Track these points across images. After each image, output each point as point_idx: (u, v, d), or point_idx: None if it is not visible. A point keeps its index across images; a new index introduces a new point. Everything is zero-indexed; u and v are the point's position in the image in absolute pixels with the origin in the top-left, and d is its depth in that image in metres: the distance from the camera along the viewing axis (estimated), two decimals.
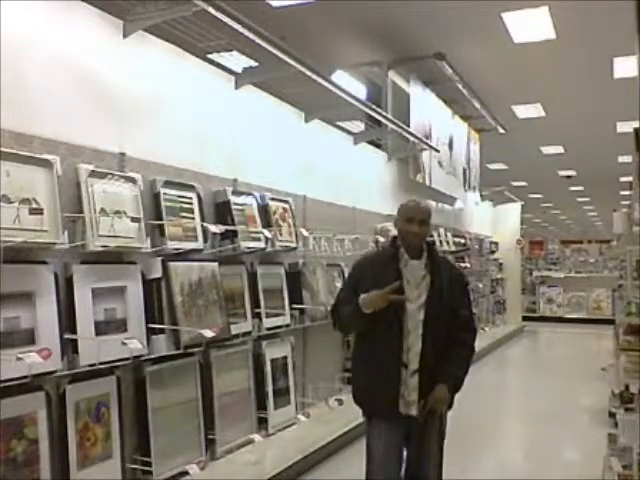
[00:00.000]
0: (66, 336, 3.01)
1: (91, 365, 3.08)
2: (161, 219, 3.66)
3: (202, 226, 3.95)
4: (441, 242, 9.47)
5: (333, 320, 2.96)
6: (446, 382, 2.75)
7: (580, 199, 22.66)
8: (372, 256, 3.16)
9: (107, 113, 3.53)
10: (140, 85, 3.78)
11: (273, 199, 4.83)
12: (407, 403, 2.73)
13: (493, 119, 10.68)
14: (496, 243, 13.63)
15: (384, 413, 2.77)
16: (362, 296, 2.70)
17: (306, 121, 5.79)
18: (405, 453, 2.81)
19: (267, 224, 4.64)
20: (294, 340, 5.00)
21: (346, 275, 3.01)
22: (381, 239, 6.84)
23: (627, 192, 11.13)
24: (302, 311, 5.01)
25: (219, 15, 3.71)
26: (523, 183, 18.68)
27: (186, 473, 3.63)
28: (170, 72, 4.06)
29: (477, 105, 9.76)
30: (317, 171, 5.81)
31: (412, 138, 7.82)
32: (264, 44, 4.19)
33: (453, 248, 10.06)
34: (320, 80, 5.10)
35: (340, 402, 5.12)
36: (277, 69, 4.78)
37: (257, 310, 4.52)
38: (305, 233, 5.16)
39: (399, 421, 2.75)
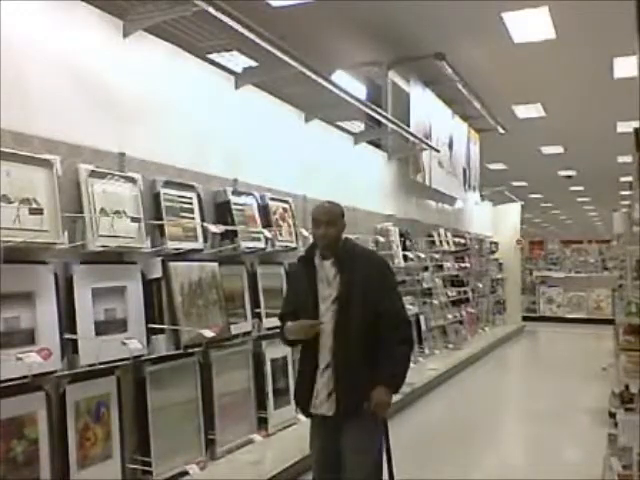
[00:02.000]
0: (66, 336, 3.01)
1: (91, 365, 3.08)
2: (161, 219, 3.67)
3: (202, 226, 3.95)
4: (441, 242, 9.48)
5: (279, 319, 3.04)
6: (384, 383, 2.68)
7: (580, 199, 22.65)
8: (299, 260, 3.08)
9: (107, 113, 3.53)
10: (140, 85, 3.78)
11: (273, 199, 4.83)
12: (320, 402, 2.72)
13: (493, 119, 10.68)
14: (496, 243, 13.63)
15: (303, 412, 2.84)
16: (287, 325, 2.81)
17: (306, 121, 5.79)
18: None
19: (267, 224, 4.64)
20: None
21: None
22: (381, 239, 6.84)
23: (627, 192, 11.13)
24: None
25: (219, 15, 3.72)
26: (523, 183, 18.68)
27: (186, 473, 3.63)
28: (170, 72, 4.06)
29: (477, 105, 9.76)
30: (317, 171, 5.81)
31: (412, 138, 7.82)
32: (264, 44, 4.19)
33: (453, 248, 10.07)
34: (320, 80, 5.11)
35: None
36: (277, 69, 4.78)
37: (257, 310, 4.52)
38: (305, 233, 5.15)
39: (326, 423, 2.73)
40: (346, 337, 2.70)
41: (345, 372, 2.68)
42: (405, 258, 7.43)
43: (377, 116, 6.66)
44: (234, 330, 4.14)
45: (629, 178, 9.39)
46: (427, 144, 8.32)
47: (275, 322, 4.63)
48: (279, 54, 4.39)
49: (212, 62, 5.38)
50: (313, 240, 2.92)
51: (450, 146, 10.09)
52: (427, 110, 8.93)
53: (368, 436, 2.72)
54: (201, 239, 3.94)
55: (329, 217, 2.81)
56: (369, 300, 2.73)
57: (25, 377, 2.75)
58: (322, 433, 2.79)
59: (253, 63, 6.55)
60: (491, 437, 5.78)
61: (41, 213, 2.87)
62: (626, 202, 14.28)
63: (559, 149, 14.15)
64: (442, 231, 9.69)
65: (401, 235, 7.56)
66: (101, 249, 3.16)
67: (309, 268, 2.86)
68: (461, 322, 10.16)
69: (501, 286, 13.83)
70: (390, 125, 7.00)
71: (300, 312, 2.81)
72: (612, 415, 4.90)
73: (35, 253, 2.96)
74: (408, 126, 7.74)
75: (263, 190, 4.79)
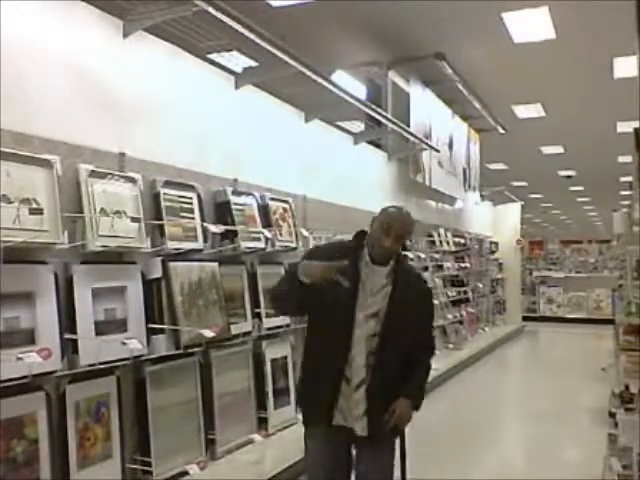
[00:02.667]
0: (66, 336, 3.01)
1: (91, 365, 3.08)
2: (161, 219, 3.66)
3: (202, 226, 3.95)
4: (441, 242, 9.48)
5: (270, 297, 2.72)
6: (410, 397, 2.55)
7: (580, 199, 22.65)
8: (332, 245, 2.85)
9: (107, 113, 3.53)
10: (140, 85, 3.78)
11: (273, 199, 4.83)
12: (351, 417, 2.48)
13: (493, 119, 10.68)
14: (496, 243, 13.63)
15: (316, 423, 2.55)
16: (304, 262, 2.42)
17: (306, 121, 5.79)
18: (355, 474, 2.57)
19: (267, 224, 4.63)
20: (294, 340, 5.00)
21: None
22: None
23: (627, 192, 11.14)
24: None
25: (219, 15, 3.71)
26: (523, 183, 18.68)
27: (186, 473, 3.63)
28: (170, 72, 4.06)
29: (477, 105, 9.76)
30: (317, 171, 5.81)
31: (412, 138, 7.82)
32: (264, 44, 4.19)
33: (453, 248, 10.07)
34: (320, 80, 5.11)
35: None
36: (277, 69, 4.78)
37: (257, 310, 4.51)
38: (305, 233, 5.16)
39: (338, 435, 2.50)
40: (385, 357, 2.49)
41: (382, 393, 2.48)
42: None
43: (377, 116, 6.66)
44: (234, 330, 4.14)
45: (629, 178, 9.39)
46: (427, 144, 8.32)
47: (275, 322, 4.69)
48: (279, 54, 4.39)
49: (212, 62, 5.37)
50: (362, 237, 2.57)
51: (450, 146, 10.09)
52: (427, 110, 8.93)
53: (389, 456, 2.59)
54: (201, 239, 3.94)
55: (404, 231, 2.50)
56: (414, 328, 2.56)
57: (25, 377, 2.75)
58: (333, 450, 2.53)
59: (253, 63, 6.54)
60: (491, 437, 5.78)
61: (41, 213, 2.87)
62: (626, 202, 14.28)
63: (559, 149, 14.15)
64: (442, 231, 9.69)
65: None
66: (101, 249, 3.16)
67: (354, 266, 2.47)
68: (461, 322, 10.16)
69: (501, 286, 13.83)
70: (390, 125, 7.00)
71: (321, 306, 2.45)
72: (612, 415, 4.90)
73: (35, 253, 2.96)
74: (408, 126, 7.74)
75: (263, 190, 4.79)
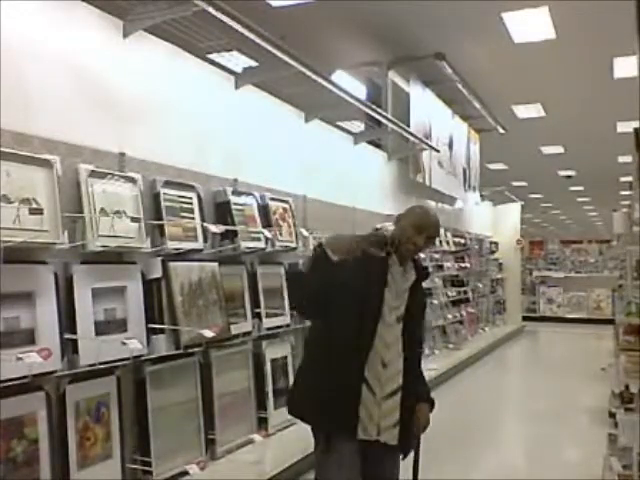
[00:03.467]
0: (66, 336, 3.01)
1: (91, 365, 3.08)
2: (161, 219, 3.66)
3: (202, 226, 3.95)
4: (441, 242, 9.47)
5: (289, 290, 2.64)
6: (428, 400, 2.55)
7: (580, 199, 22.65)
8: (355, 236, 2.60)
9: (107, 113, 3.53)
10: (140, 85, 3.78)
11: (273, 199, 4.83)
12: (377, 428, 2.37)
13: (493, 119, 10.68)
14: (496, 243, 13.63)
15: (337, 435, 2.36)
16: (330, 237, 2.36)
17: (306, 121, 5.78)
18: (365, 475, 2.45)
19: (267, 224, 4.64)
20: (294, 340, 5.00)
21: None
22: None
23: (627, 192, 11.14)
24: None
25: (219, 15, 3.71)
26: (523, 183, 18.68)
27: (186, 473, 3.63)
28: (170, 72, 4.06)
29: (477, 105, 9.76)
30: (317, 171, 5.81)
31: (412, 138, 7.82)
32: (264, 44, 4.19)
33: (453, 248, 10.07)
34: (320, 80, 5.11)
35: None
36: (277, 69, 4.78)
37: (257, 310, 4.51)
38: (305, 233, 5.16)
39: (359, 447, 2.38)
40: (412, 361, 2.48)
41: (410, 399, 2.45)
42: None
43: (377, 116, 6.66)
44: (234, 330, 4.14)
45: (629, 178, 9.40)
46: (427, 144, 8.32)
47: (275, 322, 4.69)
48: (279, 54, 4.39)
49: (212, 62, 5.37)
50: (382, 236, 2.49)
51: (450, 146, 10.09)
52: (427, 110, 8.93)
53: (398, 455, 2.54)
54: (201, 239, 3.94)
55: (437, 231, 2.53)
56: (419, 322, 2.60)
57: (25, 377, 2.74)
58: (357, 461, 2.39)
59: (253, 63, 6.54)
60: (491, 437, 5.78)
61: (41, 213, 2.87)
62: (626, 202, 14.29)
63: (559, 149, 14.15)
64: (442, 231, 9.69)
65: None
66: (101, 249, 3.16)
67: (381, 268, 2.43)
68: (461, 322, 10.16)
69: (501, 286, 13.83)
70: (390, 125, 7.00)
71: (344, 306, 2.33)
72: (612, 415, 4.90)
73: (35, 253, 2.96)
74: (408, 126, 7.73)
75: (263, 190, 4.79)
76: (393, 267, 2.45)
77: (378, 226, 6.93)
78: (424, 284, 2.68)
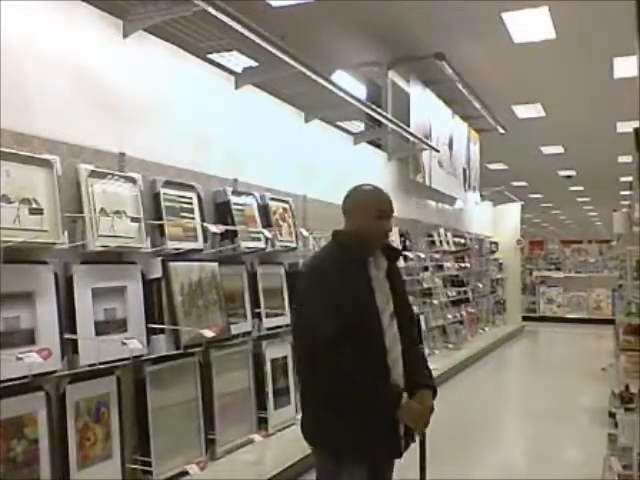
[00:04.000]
0: (66, 336, 3.01)
1: (91, 365, 3.08)
2: (161, 219, 3.66)
3: (202, 226, 3.95)
4: (441, 242, 9.48)
5: (324, 351, 2.14)
6: (430, 386, 2.34)
7: (580, 199, 22.65)
8: (332, 257, 2.37)
9: (107, 113, 3.53)
10: (140, 85, 3.78)
11: (273, 199, 4.83)
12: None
13: (493, 119, 10.69)
14: (496, 243, 13.63)
15: (386, 457, 2.30)
16: (406, 403, 2.16)
17: (306, 121, 5.78)
18: None
19: (267, 224, 4.63)
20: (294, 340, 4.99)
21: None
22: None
23: (627, 192, 11.13)
24: None
25: (219, 15, 3.72)
26: (523, 183, 18.68)
27: (186, 473, 3.62)
28: (170, 72, 4.06)
29: (477, 105, 9.77)
30: (317, 171, 5.81)
31: (412, 138, 7.82)
32: (264, 44, 4.19)
33: (453, 248, 10.07)
34: (320, 80, 5.11)
35: None
36: (277, 69, 4.78)
37: (257, 310, 4.51)
38: (305, 233, 5.16)
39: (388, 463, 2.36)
40: (409, 351, 2.31)
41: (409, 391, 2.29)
42: (405, 258, 7.43)
43: (377, 116, 6.66)
44: (234, 330, 4.14)
45: (629, 178, 9.40)
46: (427, 144, 8.32)
47: (275, 322, 4.69)
48: (279, 54, 4.39)
49: (212, 62, 5.38)
50: (339, 233, 2.41)
51: (450, 146, 10.09)
52: (427, 110, 8.93)
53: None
54: (201, 239, 3.94)
55: (392, 207, 2.37)
56: (407, 304, 2.42)
57: (25, 377, 2.75)
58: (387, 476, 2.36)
59: (253, 63, 6.54)
60: (491, 437, 5.78)
61: (41, 213, 2.87)
62: (626, 202, 14.27)
63: (559, 149, 14.15)
64: (442, 231, 9.69)
65: (401, 235, 7.57)
66: (101, 249, 3.16)
67: (365, 268, 2.27)
68: (461, 322, 10.16)
69: (501, 286, 13.83)
70: (390, 125, 7.00)
71: (357, 327, 2.16)
72: (612, 415, 4.91)
73: (35, 253, 2.96)
74: (408, 126, 7.74)
75: (263, 190, 4.79)
76: (374, 264, 2.30)
77: None
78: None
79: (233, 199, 4.33)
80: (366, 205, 2.33)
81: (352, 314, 2.14)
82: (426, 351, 8.21)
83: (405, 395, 2.19)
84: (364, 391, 2.16)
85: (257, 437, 4.29)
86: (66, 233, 2.98)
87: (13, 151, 2.82)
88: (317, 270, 2.32)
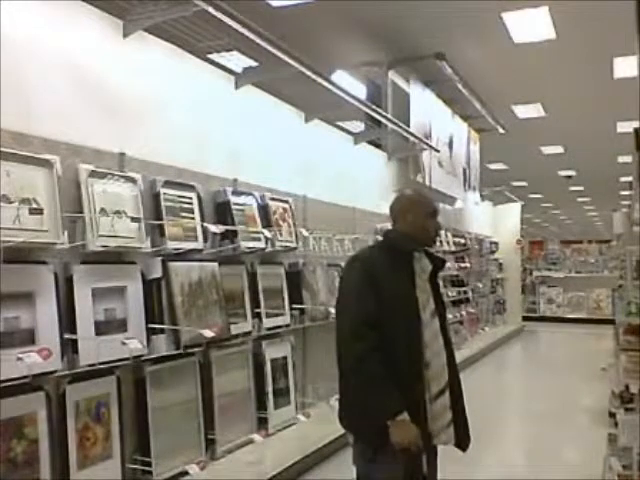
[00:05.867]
0: (66, 336, 3.01)
1: (91, 365, 3.08)
2: (161, 219, 3.66)
3: (202, 226, 3.95)
4: (441, 242, 9.48)
5: (348, 337, 2.30)
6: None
7: (580, 199, 22.66)
8: (377, 252, 2.53)
9: (107, 113, 3.53)
10: (140, 85, 3.78)
11: (273, 199, 4.83)
12: (433, 432, 2.36)
13: (493, 119, 10.68)
14: (496, 243, 13.63)
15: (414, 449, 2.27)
16: (399, 419, 2.20)
17: (306, 121, 5.79)
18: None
19: (267, 224, 4.63)
20: (294, 340, 5.00)
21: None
22: (381, 239, 6.83)
23: (627, 192, 11.14)
24: (302, 311, 5.01)
25: (219, 15, 3.72)
26: (523, 183, 18.69)
27: (186, 473, 3.62)
28: (170, 72, 4.06)
29: (477, 105, 9.76)
30: (317, 171, 5.81)
31: (412, 138, 7.82)
32: (264, 44, 4.19)
33: (453, 248, 10.07)
34: (320, 80, 5.11)
35: None
36: (277, 69, 4.78)
37: (257, 310, 4.51)
38: (305, 233, 5.16)
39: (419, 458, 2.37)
40: (451, 349, 2.46)
41: (461, 396, 2.47)
42: None
43: (377, 116, 6.66)
44: (234, 330, 4.14)
45: (629, 178, 9.39)
46: (427, 144, 8.32)
47: (275, 322, 4.69)
48: (279, 54, 4.39)
49: (212, 62, 5.37)
50: (390, 233, 2.52)
51: (450, 146, 10.09)
52: (427, 110, 8.93)
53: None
54: (201, 239, 3.94)
55: (439, 210, 2.58)
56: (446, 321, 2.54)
57: (25, 377, 2.74)
58: (416, 468, 2.37)
59: (253, 63, 6.54)
60: (491, 437, 5.77)
61: (41, 213, 2.87)
62: (626, 202, 14.28)
63: (559, 149, 14.15)
64: (442, 231, 9.69)
65: None
66: (101, 249, 3.16)
67: (409, 262, 2.42)
68: (461, 322, 10.16)
69: (501, 286, 13.83)
70: (390, 125, 7.00)
71: (392, 322, 2.28)
72: (612, 415, 4.91)
73: (35, 253, 2.96)
74: (408, 126, 7.73)
75: (263, 190, 4.79)
76: (419, 262, 2.45)
77: (378, 226, 6.95)
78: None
79: (233, 199, 4.33)
80: (418, 205, 2.49)
81: (391, 300, 2.28)
82: None
83: (406, 415, 2.21)
84: (370, 382, 2.22)
85: (257, 437, 4.28)
86: (66, 233, 2.98)
87: (13, 151, 2.82)
88: (361, 258, 2.48)
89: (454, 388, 2.40)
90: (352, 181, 6.58)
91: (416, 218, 2.46)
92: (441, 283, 2.66)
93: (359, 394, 2.29)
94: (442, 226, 2.54)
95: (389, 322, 2.28)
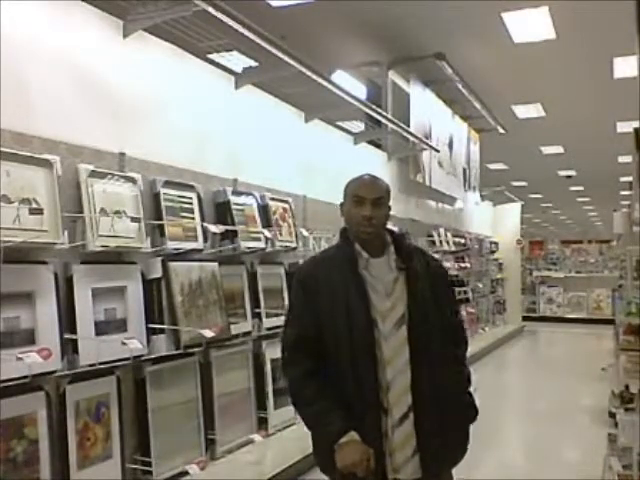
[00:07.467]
0: (66, 336, 3.01)
1: (91, 365, 3.08)
2: (161, 219, 3.66)
3: (202, 226, 3.95)
4: (441, 242, 9.47)
5: (283, 363, 2.08)
6: (466, 413, 2.21)
7: (580, 199, 22.66)
8: (321, 258, 2.21)
9: (107, 113, 3.53)
10: (140, 85, 3.78)
11: (273, 199, 4.83)
12: (396, 465, 1.96)
13: (493, 119, 10.68)
14: (496, 243, 13.62)
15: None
16: (342, 441, 1.89)
17: (306, 121, 5.78)
18: None
19: (267, 224, 4.64)
20: None
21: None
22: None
23: (627, 192, 11.13)
24: None
25: (219, 15, 3.71)
26: (523, 183, 18.69)
27: (186, 473, 3.63)
28: (170, 72, 4.06)
29: (477, 105, 9.77)
30: (317, 171, 5.81)
31: (412, 138, 7.82)
32: (264, 44, 4.19)
33: (453, 248, 10.07)
34: (320, 80, 5.11)
35: None
36: (277, 69, 4.78)
37: (257, 310, 4.52)
38: (305, 233, 5.16)
39: None
40: (429, 366, 2.00)
41: (434, 420, 1.99)
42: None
43: (377, 116, 6.66)
44: (234, 330, 4.14)
45: (629, 178, 9.38)
46: (427, 144, 8.32)
47: (275, 322, 4.68)
48: (279, 54, 4.39)
49: (212, 62, 5.37)
50: (344, 230, 2.17)
51: (450, 146, 10.09)
52: (427, 110, 8.93)
53: None
54: (201, 239, 3.94)
55: (377, 193, 2.06)
56: (441, 311, 2.10)
57: (25, 377, 2.75)
58: None
59: (253, 63, 6.54)
60: (491, 437, 5.77)
61: (41, 213, 2.87)
62: (626, 202, 14.28)
63: (559, 149, 14.16)
64: (442, 231, 9.68)
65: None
66: (101, 249, 3.16)
67: (351, 270, 2.01)
68: None
69: (501, 286, 13.82)
70: (390, 125, 7.00)
71: (333, 337, 1.97)
72: (612, 415, 4.91)
73: (35, 253, 2.96)
74: (408, 126, 7.73)
75: (263, 190, 4.79)
76: (366, 264, 2.05)
77: None
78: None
79: (233, 199, 4.33)
80: (345, 190, 2.17)
81: (327, 316, 1.98)
82: None
83: (353, 434, 1.90)
84: (307, 409, 2.03)
85: (257, 437, 4.28)
86: (66, 233, 2.98)
87: (13, 151, 2.82)
88: (300, 269, 2.28)
89: (425, 416, 1.98)
90: None
91: (347, 207, 2.11)
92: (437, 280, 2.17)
93: (303, 421, 2.10)
94: (382, 216, 2.06)
95: (330, 342, 1.98)
